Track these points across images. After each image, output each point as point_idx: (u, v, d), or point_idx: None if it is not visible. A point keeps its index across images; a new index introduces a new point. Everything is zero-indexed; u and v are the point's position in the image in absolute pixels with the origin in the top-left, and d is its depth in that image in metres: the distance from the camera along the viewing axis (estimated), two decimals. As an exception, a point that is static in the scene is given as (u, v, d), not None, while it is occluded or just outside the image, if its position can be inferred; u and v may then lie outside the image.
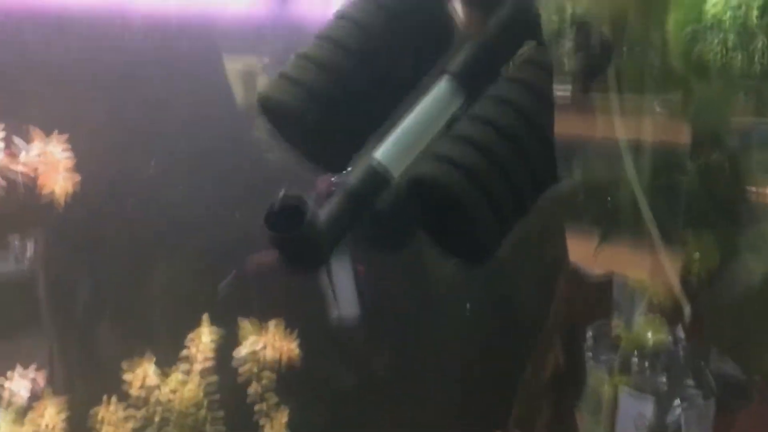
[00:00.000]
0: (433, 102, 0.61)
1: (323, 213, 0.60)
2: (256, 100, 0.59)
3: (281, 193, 0.62)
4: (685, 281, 1.42)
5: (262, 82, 1.73)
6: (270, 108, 0.58)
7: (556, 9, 1.56)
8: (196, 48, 1.60)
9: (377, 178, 0.58)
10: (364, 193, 0.58)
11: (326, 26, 0.60)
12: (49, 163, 1.19)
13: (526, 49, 0.64)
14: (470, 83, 0.59)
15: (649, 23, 1.37)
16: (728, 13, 1.14)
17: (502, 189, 0.57)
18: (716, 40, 1.16)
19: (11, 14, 1.39)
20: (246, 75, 1.71)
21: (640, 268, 1.51)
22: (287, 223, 0.60)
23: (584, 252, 1.62)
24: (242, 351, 1.45)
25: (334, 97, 0.57)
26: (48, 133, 1.22)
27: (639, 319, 1.56)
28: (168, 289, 1.58)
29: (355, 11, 0.61)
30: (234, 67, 1.70)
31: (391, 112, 0.60)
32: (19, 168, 1.18)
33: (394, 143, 0.59)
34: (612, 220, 1.55)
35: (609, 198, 1.56)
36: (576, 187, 1.61)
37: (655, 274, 1.47)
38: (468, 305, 1.79)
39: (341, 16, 0.60)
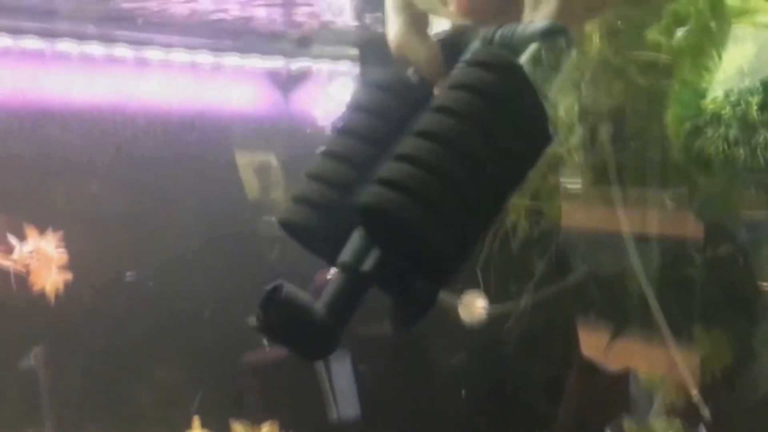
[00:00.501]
0: None
1: (324, 295, 0.58)
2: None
3: (274, 291, 0.60)
4: (700, 380, 1.38)
5: (275, 176, 1.75)
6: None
7: (564, 107, 1.59)
8: (202, 142, 1.63)
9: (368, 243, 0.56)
10: (359, 264, 0.56)
11: (330, 141, 0.59)
12: (42, 259, 1.19)
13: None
14: None
15: (647, 118, 1.38)
16: (727, 108, 1.15)
17: (449, 201, 0.55)
18: (717, 135, 1.16)
19: (12, 109, 1.42)
20: (260, 169, 1.73)
21: (654, 365, 1.47)
22: (285, 317, 0.58)
23: (596, 346, 1.59)
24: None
25: (442, 200, 0.55)
26: (42, 229, 1.22)
27: (654, 420, 1.51)
28: (159, 389, 1.55)
29: (354, 125, 0.60)
30: (245, 161, 1.72)
31: None
32: (11, 264, 1.18)
33: None
34: (623, 314, 1.53)
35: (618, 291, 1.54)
36: (585, 280, 1.60)
37: (669, 372, 1.44)
38: (463, 392, 1.74)
39: (343, 132, 0.59)
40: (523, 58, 0.58)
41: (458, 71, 0.55)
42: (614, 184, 1.40)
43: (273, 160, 1.75)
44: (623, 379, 1.60)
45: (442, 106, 0.54)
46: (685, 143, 1.21)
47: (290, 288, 0.58)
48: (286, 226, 0.57)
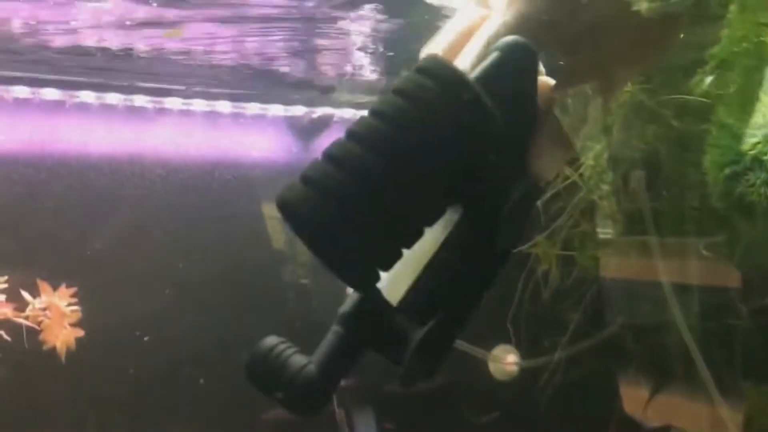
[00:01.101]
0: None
1: (317, 353, 0.56)
2: (277, 203, 0.54)
3: (258, 347, 0.59)
4: (749, 440, 1.31)
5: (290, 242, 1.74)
6: (286, 212, 0.53)
7: (593, 155, 1.57)
8: (223, 193, 1.62)
9: (372, 304, 0.53)
10: (358, 322, 0.54)
11: (355, 123, 0.56)
12: (54, 316, 1.17)
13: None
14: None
15: (683, 164, 1.34)
16: (769, 153, 1.11)
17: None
18: (759, 181, 1.12)
19: (30, 160, 1.43)
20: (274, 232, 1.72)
21: (697, 421, 1.41)
22: (262, 370, 0.57)
23: (637, 402, 1.53)
24: None
25: (359, 203, 0.52)
26: (55, 286, 1.21)
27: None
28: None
29: (386, 108, 0.56)
30: (269, 212, 1.70)
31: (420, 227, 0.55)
32: (23, 321, 1.17)
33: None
34: (665, 369, 1.47)
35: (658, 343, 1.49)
36: (622, 332, 1.54)
37: (714, 429, 1.37)
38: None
39: (371, 113, 0.56)
40: (477, 69, 0.56)
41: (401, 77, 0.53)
42: (651, 232, 1.36)
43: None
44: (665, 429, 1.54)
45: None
46: (725, 189, 1.17)
47: (276, 341, 0.57)
48: (286, 207, 0.52)
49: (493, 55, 0.57)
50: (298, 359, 0.56)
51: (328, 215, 0.50)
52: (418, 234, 0.52)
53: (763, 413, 1.36)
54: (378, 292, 0.55)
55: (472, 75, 0.56)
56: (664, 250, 1.39)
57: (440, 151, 0.51)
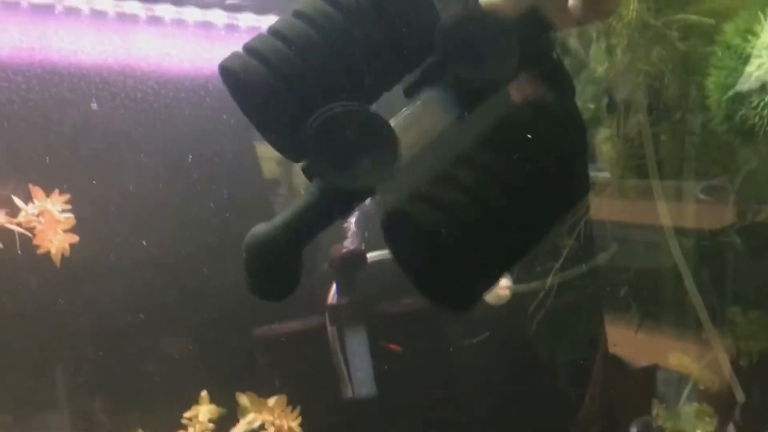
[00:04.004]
0: (423, 112, 0.59)
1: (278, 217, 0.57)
2: (219, 70, 0.59)
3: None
4: (735, 365, 1.36)
5: (282, 160, 1.74)
6: (229, 80, 0.57)
7: (592, 97, 1.57)
8: (214, 106, 1.62)
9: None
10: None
11: (301, 4, 0.60)
12: (47, 222, 1.19)
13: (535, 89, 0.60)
14: (468, 98, 0.57)
15: (687, 87, 1.35)
16: (774, 72, 1.12)
17: (486, 237, 0.54)
18: (762, 103, 1.13)
19: (17, 68, 1.42)
20: (267, 149, 1.72)
21: (684, 354, 1.46)
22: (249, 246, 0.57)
23: (624, 338, 1.58)
24: (239, 430, 1.40)
25: (301, 75, 0.56)
26: (48, 192, 1.22)
27: (685, 408, 1.49)
28: (167, 363, 1.55)
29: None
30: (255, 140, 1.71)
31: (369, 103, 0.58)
32: (16, 227, 1.18)
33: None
34: (653, 307, 1.51)
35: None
36: (615, 259, 1.58)
37: (700, 359, 1.42)
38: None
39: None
40: None
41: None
42: (650, 156, 1.38)
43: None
44: (650, 372, 1.59)
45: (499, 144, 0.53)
46: (727, 112, 1.19)
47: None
48: (228, 74, 0.56)
49: None
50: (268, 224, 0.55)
51: (270, 83, 0.54)
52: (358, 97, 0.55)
53: (751, 339, 1.40)
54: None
55: None
56: (661, 194, 1.42)
57: (383, 19, 0.55)
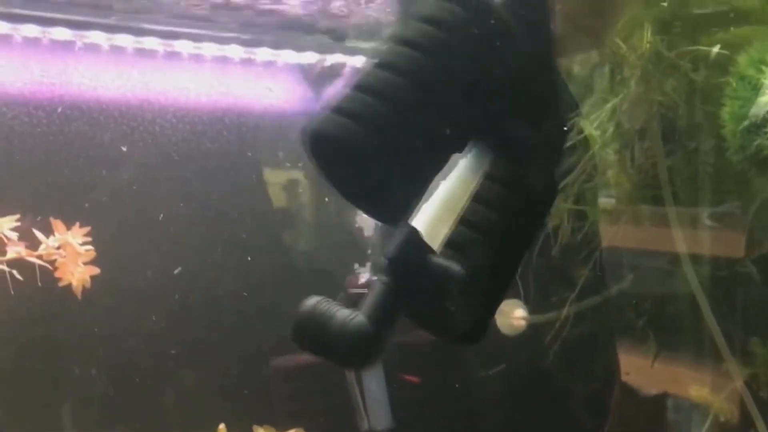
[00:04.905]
0: (466, 163, 0.59)
1: (365, 304, 0.57)
2: (304, 136, 0.55)
3: (301, 306, 0.59)
4: (754, 395, 1.35)
5: (299, 191, 1.77)
6: (322, 145, 0.55)
7: (598, 124, 1.58)
8: (229, 143, 1.64)
9: (417, 249, 0.55)
10: (402, 266, 0.55)
11: (384, 53, 0.58)
12: (69, 255, 1.20)
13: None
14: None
15: (702, 118, 1.37)
16: (789, 104, 1.13)
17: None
18: (776, 133, 1.15)
19: (38, 103, 1.45)
20: (288, 183, 1.75)
21: (700, 385, 1.45)
22: (310, 327, 0.57)
23: (639, 367, 1.57)
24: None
25: (394, 130, 0.54)
26: (69, 225, 1.24)
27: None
28: (185, 392, 1.56)
29: (415, 35, 0.58)
30: (274, 174, 1.73)
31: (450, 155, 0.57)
32: (37, 259, 1.20)
33: (428, 209, 0.57)
34: (666, 336, 1.51)
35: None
36: (631, 289, 1.58)
37: (718, 390, 1.41)
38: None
39: (399, 42, 0.57)
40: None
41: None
42: (667, 195, 1.39)
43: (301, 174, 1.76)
44: (661, 395, 1.58)
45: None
46: (742, 142, 1.20)
47: (319, 299, 0.57)
48: (319, 139, 0.54)
49: None
50: (344, 312, 0.57)
51: (364, 140, 0.52)
52: (445, 160, 0.55)
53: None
54: (416, 231, 0.56)
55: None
56: (666, 220, 1.42)
57: (468, 75, 0.54)
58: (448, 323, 0.57)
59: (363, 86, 0.55)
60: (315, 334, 0.56)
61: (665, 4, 1.29)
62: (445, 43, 0.56)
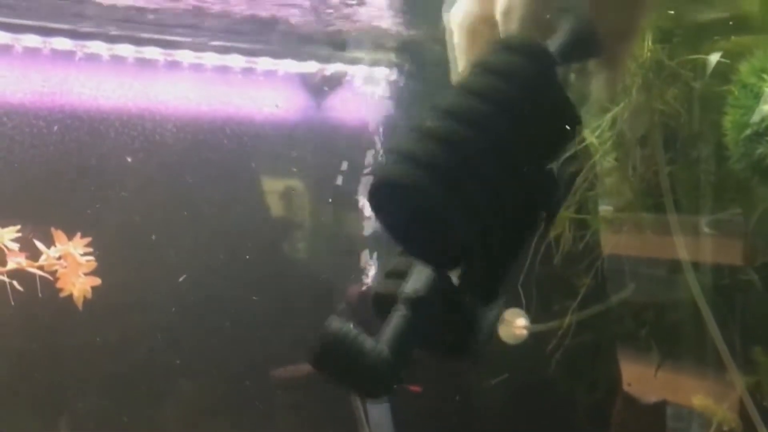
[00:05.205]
0: None
1: (384, 331, 0.56)
2: (372, 189, 0.53)
3: (323, 329, 0.58)
4: (757, 404, 1.35)
5: (299, 201, 1.77)
6: (387, 193, 0.54)
7: (597, 132, 1.58)
8: (229, 151, 1.65)
9: (441, 281, 0.55)
10: (429, 300, 0.55)
11: (449, 100, 0.56)
12: (70, 265, 1.20)
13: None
14: None
15: (704, 126, 1.37)
16: (793, 112, 1.14)
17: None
18: (780, 142, 1.15)
19: (39, 113, 1.46)
20: (284, 191, 1.75)
21: (703, 394, 1.45)
22: (336, 356, 0.56)
23: (640, 376, 1.57)
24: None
25: (461, 177, 0.53)
26: (70, 236, 1.24)
27: (706, 449, 1.48)
28: (185, 403, 1.55)
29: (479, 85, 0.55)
30: (275, 183, 1.73)
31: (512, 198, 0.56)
32: (38, 270, 1.20)
33: None
34: (667, 345, 1.50)
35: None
36: (633, 298, 1.58)
37: (721, 399, 1.41)
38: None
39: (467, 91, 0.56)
40: (556, 44, 0.58)
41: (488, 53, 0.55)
42: (669, 204, 1.39)
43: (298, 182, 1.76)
44: (660, 403, 1.58)
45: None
46: (745, 150, 1.20)
47: (342, 324, 0.57)
48: (387, 186, 0.51)
49: (566, 31, 0.59)
50: (370, 342, 0.55)
51: (438, 190, 0.50)
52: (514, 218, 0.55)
53: (772, 377, 1.39)
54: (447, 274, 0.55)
55: (554, 50, 0.58)
56: (667, 227, 1.42)
57: (533, 131, 0.54)
58: (465, 351, 0.57)
59: (428, 131, 0.53)
60: (340, 364, 0.55)
61: (672, 12, 1.29)
62: (511, 95, 0.55)
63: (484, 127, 0.52)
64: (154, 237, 1.50)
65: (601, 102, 1.38)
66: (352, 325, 0.56)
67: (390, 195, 0.52)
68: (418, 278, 0.57)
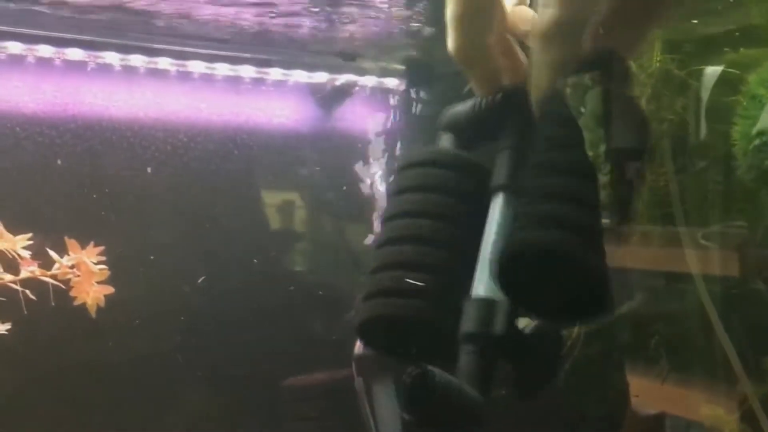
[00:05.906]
0: (500, 220, 0.60)
1: (466, 378, 0.56)
2: (359, 329, 0.54)
3: (411, 371, 0.57)
4: (768, 415, 1.35)
5: (300, 215, 1.78)
6: (382, 328, 0.55)
7: (589, 144, 1.59)
8: (240, 161, 1.66)
9: (489, 309, 0.55)
10: (486, 331, 0.55)
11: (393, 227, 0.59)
12: (83, 274, 1.21)
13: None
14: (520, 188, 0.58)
15: (713, 136, 1.38)
16: (801, 123, 1.15)
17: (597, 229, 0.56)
18: (789, 152, 1.16)
19: (51, 123, 1.47)
20: (293, 201, 1.76)
21: (716, 406, 1.45)
22: (420, 398, 0.56)
23: (648, 388, 1.57)
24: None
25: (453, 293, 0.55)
26: (83, 244, 1.25)
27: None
28: (199, 413, 1.56)
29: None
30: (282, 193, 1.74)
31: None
32: (51, 279, 1.20)
33: (484, 271, 0.57)
34: (678, 353, 1.50)
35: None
36: (644, 308, 1.58)
37: (732, 411, 1.41)
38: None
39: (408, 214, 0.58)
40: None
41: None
42: (676, 202, 1.39)
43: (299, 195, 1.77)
44: (660, 415, 1.58)
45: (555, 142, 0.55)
46: (753, 161, 1.21)
47: (439, 373, 0.56)
48: (372, 323, 0.52)
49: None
50: (469, 391, 0.54)
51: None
52: None
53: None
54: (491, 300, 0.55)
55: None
56: (663, 240, 1.42)
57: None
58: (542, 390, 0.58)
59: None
60: (450, 417, 0.55)
61: (683, 23, 1.30)
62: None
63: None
64: (164, 245, 1.51)
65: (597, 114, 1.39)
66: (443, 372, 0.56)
67: (533, 260, 0.51)
68: (478, 313, 0.57)
